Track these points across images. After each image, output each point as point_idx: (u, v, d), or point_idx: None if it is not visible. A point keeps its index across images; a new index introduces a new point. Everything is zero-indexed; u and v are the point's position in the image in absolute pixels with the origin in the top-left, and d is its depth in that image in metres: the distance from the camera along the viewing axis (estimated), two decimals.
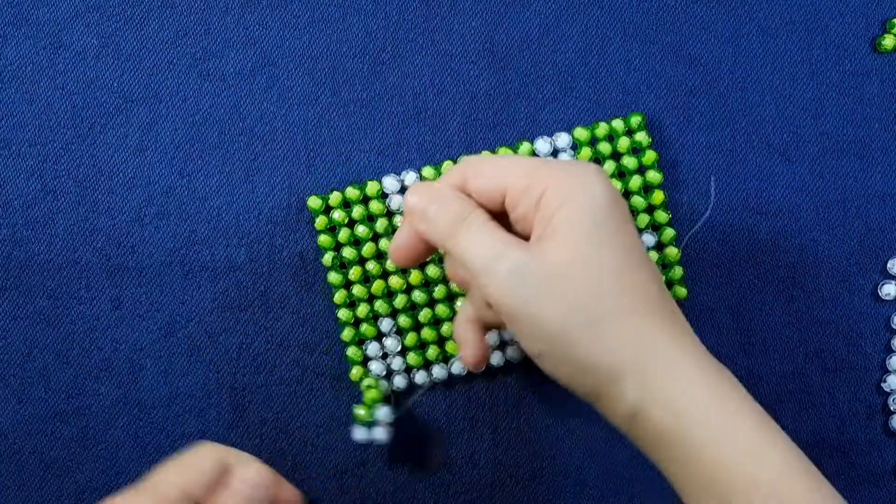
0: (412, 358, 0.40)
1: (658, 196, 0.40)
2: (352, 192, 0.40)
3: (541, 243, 0.30)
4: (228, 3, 0.41)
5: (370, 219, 0.40)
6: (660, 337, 0.30)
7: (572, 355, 0.30)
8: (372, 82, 0.41)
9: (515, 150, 0.40)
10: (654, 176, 0.40)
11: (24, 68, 0.40)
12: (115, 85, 0.40)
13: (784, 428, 0.40)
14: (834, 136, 0.41)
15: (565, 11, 0.42)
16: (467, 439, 0.40)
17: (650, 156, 0.40)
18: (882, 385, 0.40)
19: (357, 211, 0.39)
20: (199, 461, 0.34)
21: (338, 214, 0.39)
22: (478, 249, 0.31)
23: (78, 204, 0.40)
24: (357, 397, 0.40)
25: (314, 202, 0.39)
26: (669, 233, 0.40)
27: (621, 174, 0.40)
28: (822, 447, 0.40)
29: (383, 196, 0.40)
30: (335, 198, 0.40)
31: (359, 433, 0.38)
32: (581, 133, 0.40)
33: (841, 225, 0.41)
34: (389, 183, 0.40)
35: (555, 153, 0.40)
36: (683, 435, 0.29)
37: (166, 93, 0.41)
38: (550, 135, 0.40)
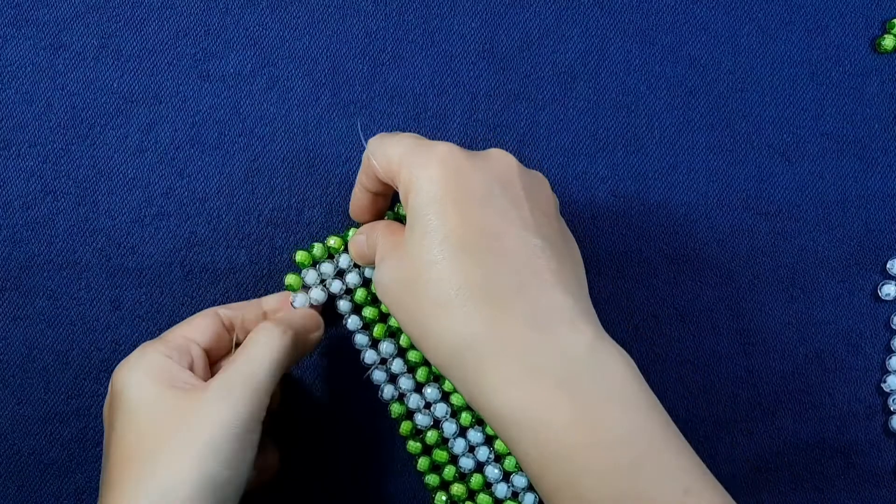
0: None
1: None
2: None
3: (406, 239, 0.31)
4: (228, 4, 0.41)
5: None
6: (482, 330, 0.29)
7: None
8: (372, 83, 0.41)
9: None
10: None
11: (24, 68, 0.40)
12: (115, 86, 0.40)
13: (784, 428, 0.41)
14: (834, 136, 0.41)
15: (565, 12, 0.42)
16: None
17: None
18: (882, 385, 0.40)
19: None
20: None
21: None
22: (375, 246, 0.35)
23: (78, 204, 0.40)
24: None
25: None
26: None
27: None
28: (822, 448, 0.40)
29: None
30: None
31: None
32: None
33: (841, 225, 0.41)
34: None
35: None
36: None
37: (166, 93, 0.40)
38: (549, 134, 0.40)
